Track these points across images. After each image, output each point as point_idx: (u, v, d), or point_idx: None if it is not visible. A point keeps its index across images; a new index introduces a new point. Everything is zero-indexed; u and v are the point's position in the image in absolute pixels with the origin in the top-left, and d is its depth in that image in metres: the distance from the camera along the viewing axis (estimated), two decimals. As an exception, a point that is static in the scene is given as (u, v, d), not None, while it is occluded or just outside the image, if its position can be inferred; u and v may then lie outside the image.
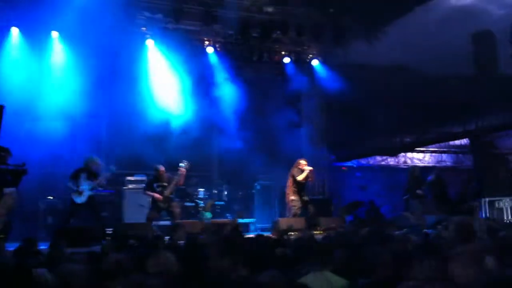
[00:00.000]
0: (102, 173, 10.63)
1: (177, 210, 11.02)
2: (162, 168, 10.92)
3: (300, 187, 11.75)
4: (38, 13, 11.46)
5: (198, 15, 13.64)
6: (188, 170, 10.98)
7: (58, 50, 12.73)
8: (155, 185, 10.85)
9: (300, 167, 11.74)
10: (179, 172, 10.81)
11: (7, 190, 8.91)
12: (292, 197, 11.70)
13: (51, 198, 11.94)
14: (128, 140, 13.00)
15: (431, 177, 12.91)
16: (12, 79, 12.36)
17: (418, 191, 12.49)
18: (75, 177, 10.29)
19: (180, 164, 10.87)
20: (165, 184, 10.81)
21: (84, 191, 10.20)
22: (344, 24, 14.55)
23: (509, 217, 11.79)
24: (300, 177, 11.63)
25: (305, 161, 11.97)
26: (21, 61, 12.54)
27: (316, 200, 13.18)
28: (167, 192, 10.74)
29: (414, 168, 13.55)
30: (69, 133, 12.42)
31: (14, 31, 12.31)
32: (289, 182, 11.80)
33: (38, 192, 11.71)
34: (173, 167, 11.14)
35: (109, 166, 10.86)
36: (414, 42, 17.48)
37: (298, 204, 11.66)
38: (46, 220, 11.66)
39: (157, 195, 10.69)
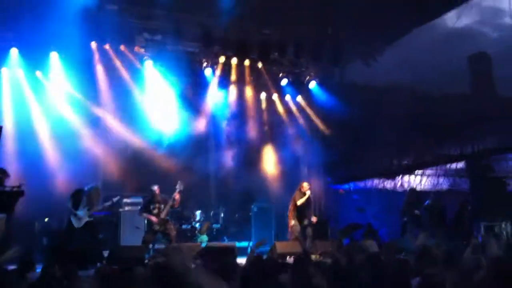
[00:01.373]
0: (101, 203, 10.64)
1: (173, 232, 10.95)
2: (157, 188, 10.88)
3: (301, 212, 11.80)
4: (37, 34, 11.50)
5: (197, 36, 13.76)
6: (183, 191, 10.96)
7: (56, 70, 12.75)
8: (151, 206, 10.80)
9: (303, 190, 11.81)
10: (175, 194, 10.78)
11: None
12: (293, 222, 11.75)
13: (47, 220, 11.89)
14: (124, 161, 13.02)
15: (428, 202, 12.89)
16: (11, 99, 12.44)
17: (416, 211, 12.50)
18: (75, 200, 10.25)
19: (176, 186, 10.84)
20: (161, 205, 10.77)
21: (82, 217, 10.17)
22: (342, 45, 14.65)
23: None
24: (299, 202, 11.69)
25: (308, 184, 12.03)
26: (20, 81, 12.61)
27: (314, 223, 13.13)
28: (163, 214, 10.68)
29: (413, 189, 13.56)
30: (66, 154, 12.41)
31: (14, 52, 12.36)
32: (291, 206, 11.86)
33: (33, 214, 11.65)
34: (168, 189, 11.12)
35: (112, 197, 10.82)
36: (412, 63, 17.66)
37: (298, 228, 11.70)
38: (42, 241, 11.61)
39: (153, 218, 10.64)
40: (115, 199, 10.73)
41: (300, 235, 11.69)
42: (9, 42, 12.15)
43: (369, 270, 5.08)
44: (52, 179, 12.05)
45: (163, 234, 10.83)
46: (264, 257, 9.26)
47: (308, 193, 11.82)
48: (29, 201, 10.19)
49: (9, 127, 11.88)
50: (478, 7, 17.25)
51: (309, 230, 11.87)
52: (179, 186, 10.83)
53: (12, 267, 6.95)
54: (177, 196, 10.76)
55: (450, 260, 5.78)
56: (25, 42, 11.95)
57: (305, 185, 11.96)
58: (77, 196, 10.32)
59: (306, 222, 11.89)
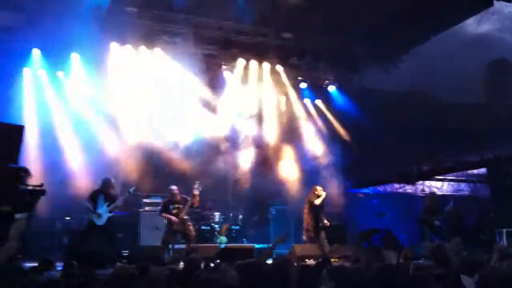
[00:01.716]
0: (118, 195, 10.62)
1: (192, 233, 10.93)
2: (175, 188, 10.89)
3: (316, 213, 11.76)
4: (59, 35, 11.60)
5: (216, 39, 13.83)
6: (202, 192, 10.95)
7: (77, 70, 12.88)
8: (170, 206, 10.80)
9: (316, 192, 11.80)
10: (193, 194, 10.78)
11: (17, 215, 8.91)
12: (308, 224, 11.73)
13: (68, 218, 11.95)
14: (143, 162, 13.05)
15: (448, 207, 12.77)
16: (32, 100, 12.56)
17: (436, 222, 12.38)
18: (92, 199, 10.27)
19: (194, 186, 10.84)
20: (180, 206, 10.77)
21: (103, 214, 10.17)
22: (360, 51, 14.63)
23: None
24: (317, 201, 11.67)
25: (321, 187, 12.01)
26: (41, 81, 12.75)
27: (331, 227, 13.06)
28: (182, 214, 10.69)
29: (433, 195, 13.41)
30: (86, 154, 12.49)
31: (35, 52, 12.50)
32: (306, 208, 11.83)
33: (54, 213, 11.72)
34: (186, 190, 11.13)
35: (128, 188, 10.82)
36: (431, 70, 17.54)
37: (313, 230, 11.67)
38: (62, 240, 11.66)
39: (173, 218, 10.64)
40: (131, 190, 10.68)
41: (315, 238, 11.64)
42: (31, 43, 12.27)
43: (383, 279, 5.01)
44: (73, 179, 12.14)
45: (183, 234, 10.81)
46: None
47: (323, 194, 11.78)
48: (50, 200, 10.27)
49: (31, 127, 11.96)
50: (499, 13, 17.07)
51: (322, 233, 11.82)
52: (197, 186, 10.83)
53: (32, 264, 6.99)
54: (196, 193, 10.75)
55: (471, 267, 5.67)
56: (47, 43, 12.02)
57: (319, 188, 11.96)
58: (94, 196, 10.32)
59: (320, 224, 11.85)
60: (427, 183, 16.43)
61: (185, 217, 10.75)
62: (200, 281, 4.80)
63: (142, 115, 13.29)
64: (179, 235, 10.86)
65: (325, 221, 11.96)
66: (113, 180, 10.59)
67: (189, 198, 10.78)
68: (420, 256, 9.84)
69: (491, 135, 14.08)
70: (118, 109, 13.16)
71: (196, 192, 10.78)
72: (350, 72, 15.69)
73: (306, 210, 11.87)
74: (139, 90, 13.30)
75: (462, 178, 16.44)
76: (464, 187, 16.66)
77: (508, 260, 6.68)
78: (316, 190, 11.91)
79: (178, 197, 10.83)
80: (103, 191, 10.35)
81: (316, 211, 11.78)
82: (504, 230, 12.00)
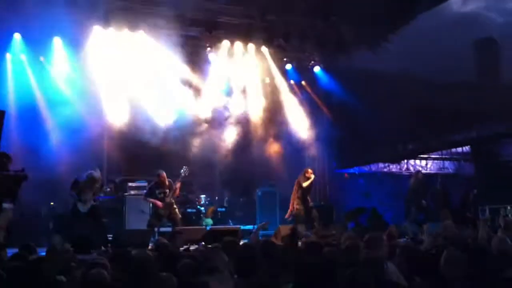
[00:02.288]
0: (103, 184, 10.62)
1: (178, 216, 10.95)
2: (163, 173, 10.86)
3: (304, 195, 11.93)
4: (40, 19, 11.45)
5: (200, 21, 13.70)
6: (188, 176, 10.93)
7: (60, 55, 12.75)
8: (157, 191, 10.79)
9: (307, 175, 11.99)
10: (177, 182, 10.76)
11: (5, 205, 8.89)
12: (297, 205, 11.86)
13: (52, 204, 11.92)
14: (128, 146, 13.00)
15: (434, 186, 12.87)
16: (14, 85, 12.44)
17: (423, 202, 12.50)
18: (77, 187, 10.23)
19: (181, 170, 10.82)
20: (167, 190, 10.75)
21: (87, 201, 10.15)
22: (347, 31, 14.54)
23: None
24: (305, 184, 11.81)
25: (312, 170, 12.26)
26: (23, 66, 12.62)
27: (318, 207, 13.15)
28: (168, 199, 10.68)
29: (418, 173, 13.50)
30: (69, 138, 12.41)
31: (17, 37, 12.36)
32: (295, 189, 11.97)
33: (39, 198, 11.67)
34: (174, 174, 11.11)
35: (114, 180, 10.80)
36: (417, 50, 17.54)
37: (302, 211, 11.83)
38: (48, 225, 11.64)
39: (158, 202, 10.64)
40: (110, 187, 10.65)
41: (305, 218, 11.78)
42: (13, 27, 12.10)
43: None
44: (57, 165, 12.05)
45: (169, 218, 10.83)
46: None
47: (312, 177, 11.96)
48: (34, 185, 10.22)
49: (12, 112, 11.86)
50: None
51: (314, 212, 12.01)
52: (184, 172, 10.81)
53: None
54: (178, 185, 10.74)
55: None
56: (28, 27, 11.83)
57: (310, 170, 12.22)
58: (76, 186, 10.28)
59: (311, 204, 12.02)
60: (412, 162, 16.51)
61: (171, 200, 10.75)
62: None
63: (125, 98, 13.18)
64: (165, 219, 10.88)
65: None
66: (97, 174, 10.51)
67: (175, 183, 10.77)
68: (405, 235, 9.96)
69: (476, 113, 14.14)
70: (102, 92, 13.04)
71: (179, 181, 10.75)
72: (336, 53, 15.61)
73: (294, 191, 12.02)
74: (122, 73, 13.16)
75: (447, 157, 16.52)
76: (449, 165, 16.77)
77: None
78: (307, 172, 12.14)
79: (165, 181, 10.81)
80: (87, 182, 10.30)
81: (305, 192, 11.96)
82: (487, 207, 12.10)
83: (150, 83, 13.48)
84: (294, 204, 12.03)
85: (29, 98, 12.41)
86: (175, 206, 10.94)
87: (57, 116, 12.35)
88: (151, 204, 10.86)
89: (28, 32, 12.16)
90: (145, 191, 11.30)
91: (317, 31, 14.59)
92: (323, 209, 13.37)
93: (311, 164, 12.95)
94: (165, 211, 10.65)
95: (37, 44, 12.46)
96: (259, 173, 14.08)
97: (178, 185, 10.76)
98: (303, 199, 12.02)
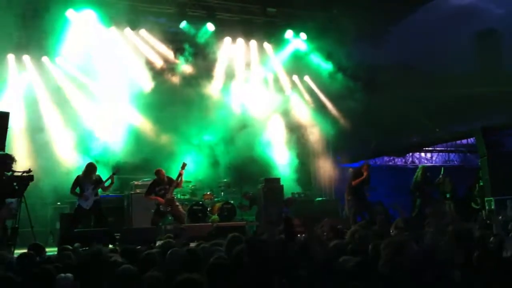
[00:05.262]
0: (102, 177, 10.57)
1: (181, 212, 10.97)
2: (162, 170, 10.89)
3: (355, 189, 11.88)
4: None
5: (202, 18, 13.66)
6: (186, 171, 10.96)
7: (63, 55, 12.80)
8: (156, 188, 10.79)
9: (363, 170, 11.89)
10: (180, 174, 10.78)
11: (7, 200, 8.90)
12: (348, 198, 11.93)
13: (59, 204, 11.94)
14: (133, 145, 13.01)
15: (439, 178, 12.82)
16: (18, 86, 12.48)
17: (428, 190, 12.45)
18: (77, 183, 10.23)
19: (180, 166, 10.84)
20: (167, 186, 10.77)
21: (89, 196, 10.13)
22: (348, 24, 14.50)
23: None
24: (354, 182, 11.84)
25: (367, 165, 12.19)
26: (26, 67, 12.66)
27: (323, 201, 13.16)
28: (168, 195, 10.70)
29: (422, 167, 13.45)
30: (73, 137, 12.47)
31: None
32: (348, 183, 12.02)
33: (45, 198, 11.71)
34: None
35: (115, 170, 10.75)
36: (419, 42, 17.49)
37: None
38: (54, 225, 11.65)
39: (158, 199, 10.66)
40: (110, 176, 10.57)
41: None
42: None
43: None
44: (61, 163, 12.11)
45: (172, 214, 10.85)
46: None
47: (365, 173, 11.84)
48: (41, 185, 10.26)
49: (16, 112, 11.92)
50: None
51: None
52: (184, 166, 10.84)
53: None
54: (181, 176, 10.76)
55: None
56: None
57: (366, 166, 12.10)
58: (76, 181, 10.28)
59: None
60: (417, 154, 16.48)
61: (172, 197, 10.77)
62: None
63: (128, 95, 13.22)
64: (168, 215, 10.89)
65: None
66: (92, 163, 10.52)
67: (175, 179, 10.79)
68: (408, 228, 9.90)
69: (481, 105, 14.11)
70: (104, 90, 13.11)
71: (182, 172, 10.78)
72: (338, 46, 15.56)
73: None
74: (123, 70, 13.21)
75: (452, 149, 16.49)
76: (454, 157, 16.74)
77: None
78: (363, 167, 12.01)
79: (164, 178, 10.82)
80: (86, 174, 10.30)
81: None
82: (493, 198, 12.04)
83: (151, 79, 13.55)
84: (346, 197, 12.08)
85: (32, 98, 12.49)
86: (177, 203, 11.01)
87: (62, 116, 12.42)
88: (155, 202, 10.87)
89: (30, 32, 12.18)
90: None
91: (318, 24, 14.55)
92: (328, 203, 13.39)
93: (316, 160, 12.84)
94: (167, 207, 10.66)
95: (40, 44, 12.44)
96: (264, 168, 14.07)
97: (182, 173, 10.78)
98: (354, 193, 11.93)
